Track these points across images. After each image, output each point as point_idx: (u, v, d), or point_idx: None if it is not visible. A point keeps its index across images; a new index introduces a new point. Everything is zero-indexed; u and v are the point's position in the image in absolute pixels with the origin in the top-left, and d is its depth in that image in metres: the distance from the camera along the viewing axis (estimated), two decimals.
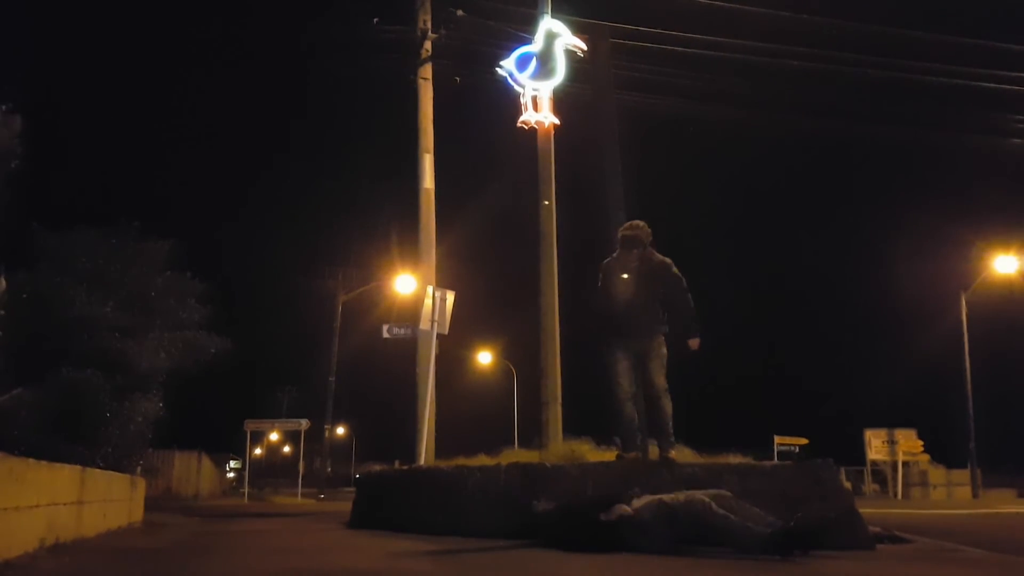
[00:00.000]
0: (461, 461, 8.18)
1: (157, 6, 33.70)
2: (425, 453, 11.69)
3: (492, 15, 13.75)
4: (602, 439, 7.98)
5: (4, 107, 7.82)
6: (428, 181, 13.77)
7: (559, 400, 9.09)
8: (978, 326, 28.49)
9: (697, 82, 15.86)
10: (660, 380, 6.87)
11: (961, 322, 28.31)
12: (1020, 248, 27.03)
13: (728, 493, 5.69)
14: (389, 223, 27.25)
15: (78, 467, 6.96)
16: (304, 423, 26.11)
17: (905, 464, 28.19)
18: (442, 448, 12.00)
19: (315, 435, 29.90)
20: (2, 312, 7.81)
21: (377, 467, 23.68)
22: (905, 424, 29.08)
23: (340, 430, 48.94)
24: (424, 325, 11.19)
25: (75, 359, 8.81)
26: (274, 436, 49.39)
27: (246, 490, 26.66)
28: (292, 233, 74.50)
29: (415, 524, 7.30)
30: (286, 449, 54.62)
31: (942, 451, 29.55)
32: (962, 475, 28.49)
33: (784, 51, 15.60)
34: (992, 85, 16.26)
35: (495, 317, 35.61)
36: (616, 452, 7.08)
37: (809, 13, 15.56)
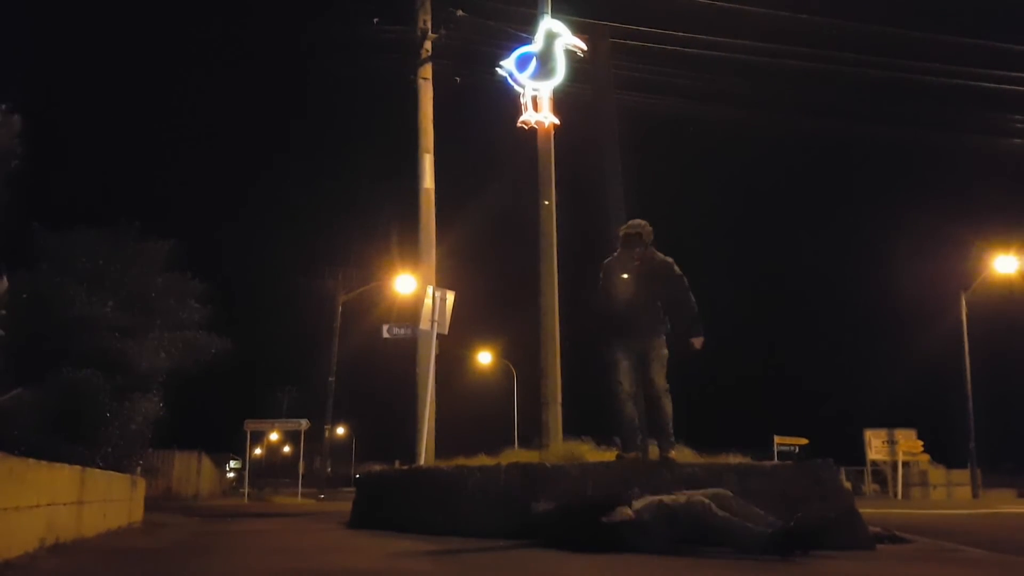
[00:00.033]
0: (461, 461, 8.18)
1: (157, 6, 33.72)
2: (425, 453, 11.69)
3: (492, 15, 13.76)
4: (602, 439, 7.98)
5: (4, 107, 7.81)
6: (428, 181, 13.77)
7: (559, 400, 9.10)
8: (978, 326, 28.52)
9: (697, 82, 15.89)
10: (660, 380, 6.86)
11: (961, 322, 28.31)
12: (1020, 248, 27.03)
13: (728, 492, 5.69)
14: (389, 223, 27.30)
15: (78, 467, 6.96)
16: (304, 423, 26.11)
17: (905, 464, 28.19)
18: (442, 448, 12.00)
19: (315, 435, 29.91)
20: (2, 312, 7.80)
21: (377, 467, 23.69)
22: (905, 424, 29.08)
23: (340, 430, 48.94)
24: (424, 325, 11.19)
25: (75, 359, 8.81)
26: (274, 436, 49.36)
27: (246, 490, 26.65)
28: (292, 233, 74.50)
29: (415, 524, 7.30)
30: (286, 449, 54.60)
31: (942, 451, 29.59)
32: (962, 475, 28.49)
33: (784, 51, 15.63)
34: (992, 85, 16.28)
35: (495, 317, 35.61)
36: (616, 452, 7.08)
37: (809, 13, 15.59)
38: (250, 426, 25.07)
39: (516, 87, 9.89)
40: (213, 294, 11.88)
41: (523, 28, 11.71)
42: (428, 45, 14.10)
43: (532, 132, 9.79)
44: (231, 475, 45.83)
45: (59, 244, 10.08)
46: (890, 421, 29.39)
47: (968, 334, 28.15)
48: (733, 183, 58.80)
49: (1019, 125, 17.59)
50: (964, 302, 28.30)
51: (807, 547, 5.23)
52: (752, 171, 51.57)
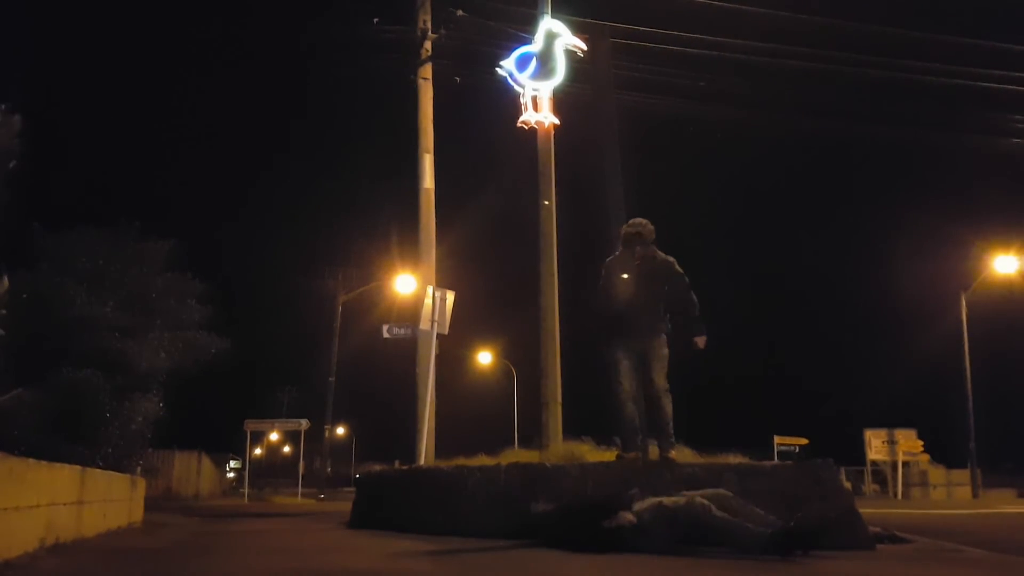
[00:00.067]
0: (461, 461, 8.17)
1: (157, 6, 33.71)
2: (425, 453, 11.69)
3: (492, 15, 13.76)
4: (602, 439, 7.98)
5: (4, 107, 7.81)
6: (428, 181, 13.77)
7: (559, 400, 9.09)
8: (978, 326, 28.54)
9: (697, 82, 15.87)
10: (661, 380, 6.85)
11: (961, 322, 28.32)
12: (1020, 248, 27.05)
13: (728, 493, 5.69)
14: (389, 223, 27.29)
15: (78, 467, 6.96)
16: (304, 423, 26.13)
17: (905, 464, 28.20)
18: (442, 448, 12.00)
19: (315, 435, 29.91)
20: (2, 312, 7.80)
21: (377, 467, 23.68)
22: (905, 424, 29.08)
23: (340, 430, 48.97)
24: (424, 325, 11.20)
25: (75, 359, 8.80)
26: (274, 436, 49.37)
27: (246, 490, 26.68)
28: (292, 233, 74.58)
29: (415, 524, 7.30)
30: (286, 449, 54.60)
31: (942, 451, 29.61)
32: (962, 475, 28.50)
33: (784, 51, 15.63)
34: (992, 85, 16.27)
35: (495, 317, 35.64)
36: (616, 452, 7.08)
37: (809, 13, 15.58)
38: (250, 426, 25.09)
39: (516, 87, 9.89)
40: (213, 294, 11.89)
41: (523, 28, 11.72)
42: (428, 45, 14.10)
43: (532, 132, 9.79)
44: (231, 475, 45.86)
45: (59, 244, 10.08)
46: (890, 421, 29.41)
47: (968, 334, 28.17)
48: (733, 183, 58.85)
49: (1019, 125, 17.59)
50: (964, 302, 28.31)
51: (807, 547, 5.23)
52: (752, 171, 51.61)
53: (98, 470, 8.04)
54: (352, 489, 19.69)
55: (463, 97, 14.78)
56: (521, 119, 9.79)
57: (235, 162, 65.70)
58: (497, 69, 10.04)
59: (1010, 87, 16.29)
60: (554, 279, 9.38)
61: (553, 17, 9.92)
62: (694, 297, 6.96)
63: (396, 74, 14.46)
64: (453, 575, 5.14)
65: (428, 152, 13.85)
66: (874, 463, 29.35)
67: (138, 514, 10.16)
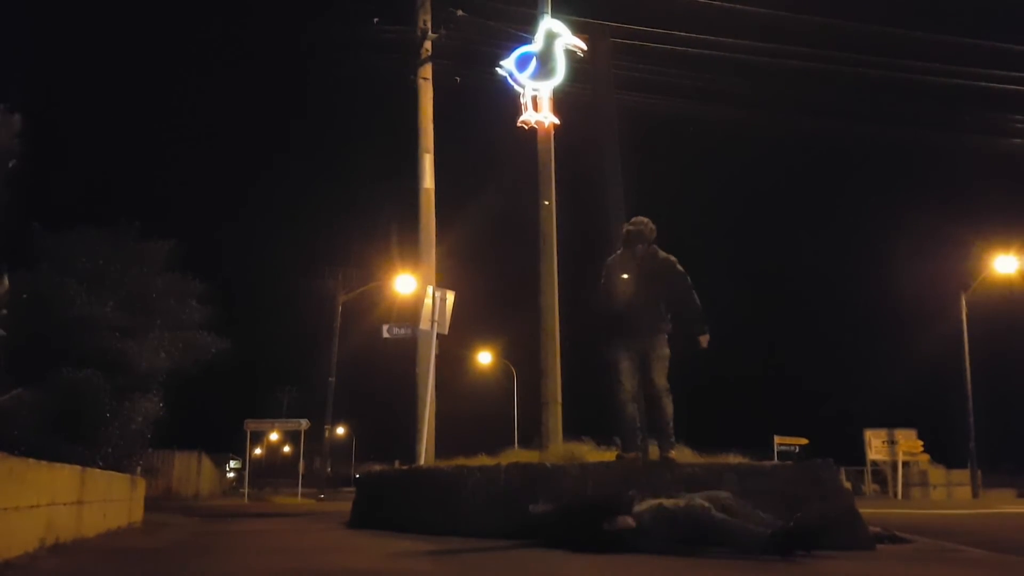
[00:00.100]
0: (461, 461, 8.18)
1: (157, 6, 33.71)
2: (425, 453, 11.70)
3: (492, 15, 13.76)
4: (602, 439, 7.97)
5: (4, 107, 7.82)
6: (428, 181, 13.77)
7: (559, 400, 9.10)
8: (978, 326, 28.53)
9: (697, 82, 15.87)
10: (661, 380, 6.84)
11: (961, 322, 28.32)
12: (1020, 248, 27.05)
13: (727, 494, 5.69)
14: (389, 223, 27.25)
15: (78, 467, 6.96)
16: (304, 423, 26.12)
17: (905, 464, 28.19)
18: (442, 448, 12.00)
19: (315, 435, 29.91)
20: (2, 312, 7.81)
21: (377, 467, 23.68)
22: (905, 424, 29.08)
23: (340, 430, 48.94)
24: (424, 325, 11.20)
25: (75, 359, 8.81)
26: (274, 436, 49.41)
27: (246, 490, 26.67)
28: (292, 233, 74.62)
29: (415, 524, 7.30)
30: (286, 449, 54.61)
31: (942, 451, 29.59)
32: (962, 475, 28.50)
33: (784, 51, 15.62)
34: (992, 85, 16.27)
35: (495, 317, 35.65)
36: (616, 452, 7.07)
37: (809, 13, 15.58)
38: (250, 426, 25.08)
39: (516, 87, 9.89)
40: (213, 294, 11.90)
41: (523, 28, 11.72)
42: (428, 45, 14.10)
43: (532, 132, 9.79)
44: (231, 475, 45.88)
45: (59, 244, 10.08)
46: (890, 421, 29.39)
47: (968, 334, 28.17)
48: (733, 183, 58.88)
49: (1019, 125, 17.58)
50: (964, 302, 28.30)
51: (807, 547, 5.23)
52: (752, 171, 51.63)
53: (98, 470, 8.04)
54: (352, 489, 19.70)
55: (463, 97, 14.80)
56: (521, 119, 9.79)
57: (235, 162, 65.80)
58: (497, 69, 10.04)
59: (1010, 87, 16.28)
60: (554, 279, 9.38)
61: (553, 17, 9.93)
62: (695, 296, 6.94)
63: (396, 74, 14.46)
64: (453, 575, 5.14)
65: (428, 152, 13.85)
66: (874, 463, 29.35)
67: (138, 514, 10.16)
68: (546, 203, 9.54)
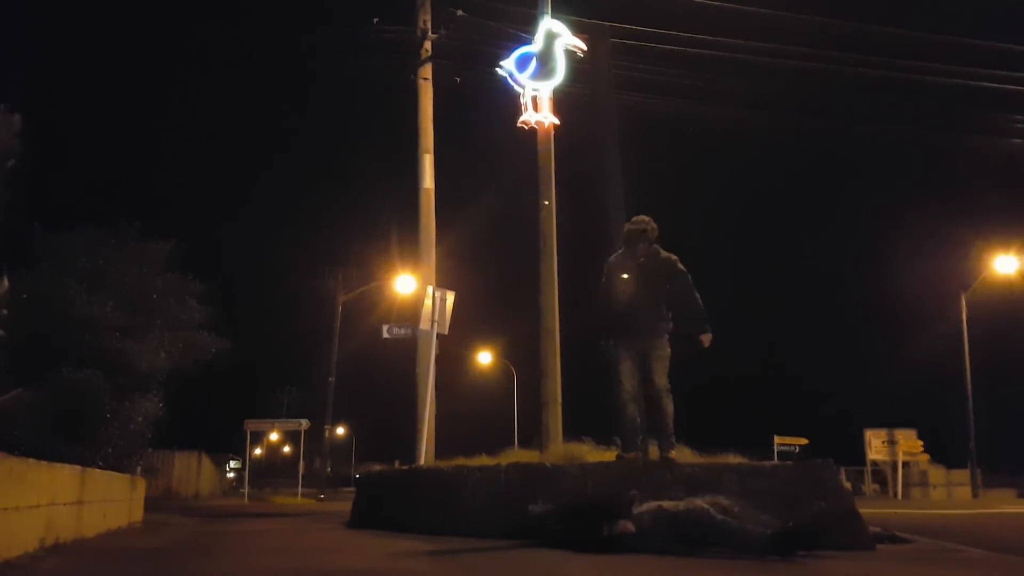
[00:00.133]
0: (461, 461, 8.17)
1: (157, 6, 33.71)
2: (425, 453, 11.70)
3: (492, 15, 13.76)
4: (602, 439, 7.97)
5: (4, 107, 7.82)
6: (428, 181, 13.77)
7: (559, 400, 9.09)
8: (978, 326, 28.52)
9: (697, 82, 15.88)
10: (662, 380, 6.83)
11: (961, 322, 28.31)
12: (1020, 248, 27.04)
13: (727, 501, 5.66)
14: (389, 223, 27.27)
15: (78, 467, 6.96)
16: (304, 423, 26.14)
17: (905, 464, 28.17)
18: (442, 448, 12.01)
19: (315, 435, 29.91)
20: (3, 312, 7.81)
21: (377, 467, 23.67)
22: (905, 424, 29.06)
23: (340, 430, 48.93)
24: (424, 325, 11.20)
25: (75, 359, 8.81)
26: (274, 436, 49.37)
27: (246, 490, 26.68)
28: (292, 233, 74.63)
29: (415, 524, 7.30)
30: (286, 449, 54.60)
31: (942, 451, 29.56)
32: (962, 475, 28.48)
33: (784, 51, 15.63)
34: (992, 85, 16.27)
35: (495, 317, 35.63)
36: (616, 452, 7.07)
37: (809, 13, 15.58)
38: (250, 426, 25.09)
39: (516, 87, 9.89)
40: (213, 294, 11.89)
41: (523, 28, 11.71)
42: (428, 45, 14.10)
43: (532, 132, 9.79)
44: (231, 475, 45.89)
45: (59, 244, 10.08)
46: (890, 421, 29.38)
47: (968, 334, 28.15)
48: (733, 183, 58.86)
49: (1019, 125, 17.59)
50: (964, 302, 28.30)
51: (807, 547, 5.24)
52: (752, 171, 51.65)
53: (98, 470, 8.05)
54: (352, 489, 19.70)
55: (463, 97, 14.80)
56: (521, 119, 9.78)
57: (235, 162, 65.78)
58: (497, 69, 10.04)
59: (1010, 87, 16.29)
60: (554, 279, 9.37)
61: (553, 17, 9.92)
62: (697, 295, 6.92)
63: (396, 74, 14.47)
64: (453, 575, 5.14)
65: (428, 152, 13.85)
66: (874, 463, 29.33)
67: (138, 514, 10.17)
68: (546, 203, 9.54)
